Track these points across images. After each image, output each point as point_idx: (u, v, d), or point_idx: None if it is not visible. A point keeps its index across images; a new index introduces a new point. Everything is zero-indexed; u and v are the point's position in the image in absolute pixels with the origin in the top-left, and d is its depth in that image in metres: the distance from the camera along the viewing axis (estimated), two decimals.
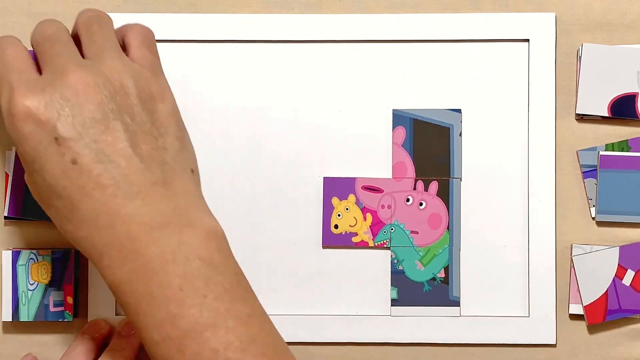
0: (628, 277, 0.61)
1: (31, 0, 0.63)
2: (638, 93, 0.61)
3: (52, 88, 0.49)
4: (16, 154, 0.61)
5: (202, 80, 0.62)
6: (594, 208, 0.62)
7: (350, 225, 0.62)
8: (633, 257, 0.61)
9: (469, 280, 0.62)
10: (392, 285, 0.62)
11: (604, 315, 0.61)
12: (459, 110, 0.62)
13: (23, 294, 0.61)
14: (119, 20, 0.62)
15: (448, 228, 0.62)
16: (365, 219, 0.62)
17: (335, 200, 0.62)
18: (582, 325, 0.62)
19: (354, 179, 0.62)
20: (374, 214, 0.62)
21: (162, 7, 0.63)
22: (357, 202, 0.62)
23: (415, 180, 0.62)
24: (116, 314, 0.62)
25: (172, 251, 0.48)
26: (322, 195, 0.62)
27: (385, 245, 0.62)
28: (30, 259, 0.61)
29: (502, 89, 0.62)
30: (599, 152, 0.61)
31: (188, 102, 0.62)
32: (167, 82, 0.54)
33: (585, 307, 0.61)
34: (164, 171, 0.51)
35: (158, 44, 0.63)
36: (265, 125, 0.62)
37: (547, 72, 0.61)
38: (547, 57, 0.61)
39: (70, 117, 0.49)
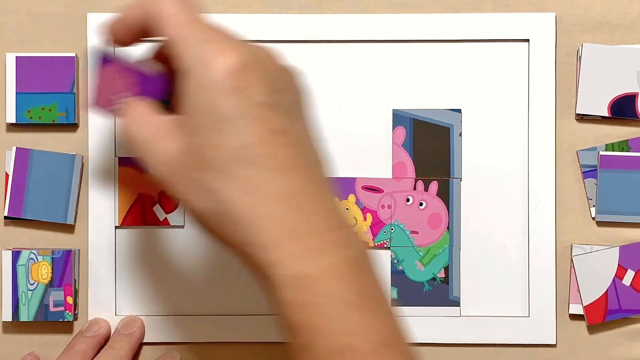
0: (628, 277, 0.61)
1: (31, 0, 0.63)
2: (638, 93, 0.61)
3: (263, 55, 0.46)
4: (17, 151, 0.61)
5: None
6: (594, 208, 0.62)
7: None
8: (633, 257, 0.61)
9: (469, 280, 0.62)
10: (392, 285, 0.62)
11: (604, 315, 0.61)
12: (459, 110, 0.62)
13: (23, 294, 0.61)
14: None
15: (448, 228, 0.62)
16: (365, 219, 0.62)
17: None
18: (582, 325, 0.62)
19: (354, 179, 0.62)
20: (374, 214, 0.62)
21: None
22: (357, 202, 0.62)
23: (415, 180, 0.62)
24: (116, 314, 0.62)
25: (362, 256, 0.45)
26: None
27: (385, 245, 0.62)
28: (30, 259, 0.61)
29: (502, 89, 0.62)
30: (599, 152, 0.61)
31: None
32: None
33: (585, 307, 0.61)
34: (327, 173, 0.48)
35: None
36: None
37: (547, 72, 0.61)
38: (547, 57, 0.61)
39: (279, 90, 0.45)
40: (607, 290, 0.61)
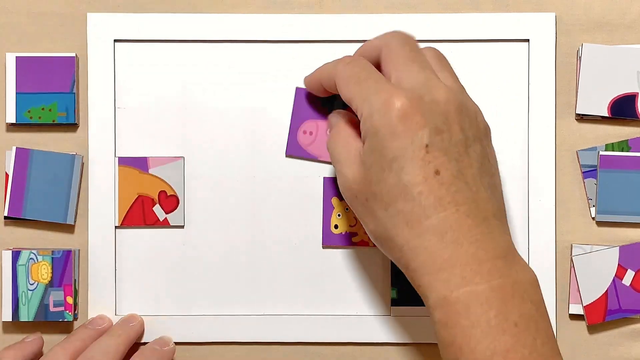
0: (628, 277, 0.61)
1: (31, 0, 0.63)
2: (638, 93, 0.61)
3: (429, 97, 0.51)
4: (17, 151, 0.61)
5: (202, 80, 0.62)
6: (594, 208, 0.62)
7: (350, 225, 0.62)
8: (633, 257, 0.61)
9: None
10: (392, 285, 0.62)
11: (603, 315, 0.61)
12: None
13: (23, 294, 0.61)
14: (120, 20, 0.62)
15: None
16: None
17: (335, 200, 0.62)
18: (582, 325, 0.62)
19: None
20: None
21: (162, 7, 0.63)
22: None
23: None
24: (116, 314, 0.62)
25: (511, 286, 0.49)
26: (322, 195, 0.62)
27: None
28: (30, 259, 0.61)
29: (502, 89, 0.62)
30: (599, 152, 0.61)
31: (188, 102, 0.62)
32: None
33: (585, 307, 0.61)
34: (500, 207, 0.52)
35: (158, 44, 0.63)
36: (265, 125, 0.62)
37: (547, 72, 0.61)
38: (547, 57, 0.61)
39: (442, 131, 0.50)
40: (607, 290, 0.61)
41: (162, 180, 0.62)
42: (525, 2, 0.62)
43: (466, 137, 0.51)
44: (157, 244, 0.63)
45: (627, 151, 0.62)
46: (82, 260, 0.63)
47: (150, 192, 0.62)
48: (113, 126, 0.62)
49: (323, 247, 0.62)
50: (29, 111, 0.62)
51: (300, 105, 0.62)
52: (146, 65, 0.62)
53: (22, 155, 0.62)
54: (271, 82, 0.62)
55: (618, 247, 0.61)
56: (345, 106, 0.59)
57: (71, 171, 0.62)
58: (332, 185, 0.62)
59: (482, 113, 0.54)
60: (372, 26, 0.62)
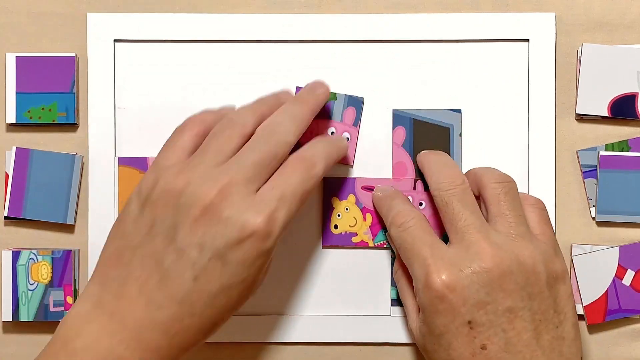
0: (628, 277, 0.61)
1: (31, 0, 0.63)
2: (638, 93, 0.61)
3: (469, 269, 0.51)
4: (17, 151, 0.61)
5: (202, 80, 0.62)
6: (594, 208, 0.62)
7: (350, 226, 0.62)
8: (633, 257, 0.61)
9: None
10: (392, 285, 0.62)
11: (603, 315, 0.61)
12: (459, 110, 0.62)
13: (23, 294, 0.61)
14: (120, 20, 0.62)
15: None
16: (365, 219, 0.62)
17: (335, 201, 0.62)
18: (582, 325, 0.62)
19: (353, 179, 0.62)
20: (373, 214, 0.62)
21: (162, 7, 0.63)
22: (357, 202, 0.62)
23: (415, 180, 0.62)
24: None
25: None
26: (321, 195, 0.62)
27: (385, 245, 0.62)
28: (30, 259, 0.61)
29: (502, 89, 0.62)
30: (599, 152, 0.61)
31: (188, 102, 0.62)
32: (564, 259, 0.55)
33: (585, 307, 0.61)
34: (569, 355, 0.52)
35: (158, 44, 0.63)
36: None
37: (547, 72, 0.61)
38: (547, 57, 0.61)
39: (485, 303, 0.50)
40: (607, 290, 0.61)
41: None
42: (525, 2, 0.62)
43: (515, 301, 0.51)
44: None
45: (627, 151, 0.62)
46: (82, 260, 0.63)
47: None
48: (113, 126, 0.62)
49: (323, 247, 0.62)
50: (29, 111, 0.62)
51: None
52: (146, 65, 0.62)
53: (22, 155, 0.62)
54: (271, 82, 0.62)
55: (618, 247, 0.61)
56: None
57: (71, 171, 0.62)
58: (332, 186, 0.62)
59: (547, 256, 0.53)
60: (372, 26, 0.62)
